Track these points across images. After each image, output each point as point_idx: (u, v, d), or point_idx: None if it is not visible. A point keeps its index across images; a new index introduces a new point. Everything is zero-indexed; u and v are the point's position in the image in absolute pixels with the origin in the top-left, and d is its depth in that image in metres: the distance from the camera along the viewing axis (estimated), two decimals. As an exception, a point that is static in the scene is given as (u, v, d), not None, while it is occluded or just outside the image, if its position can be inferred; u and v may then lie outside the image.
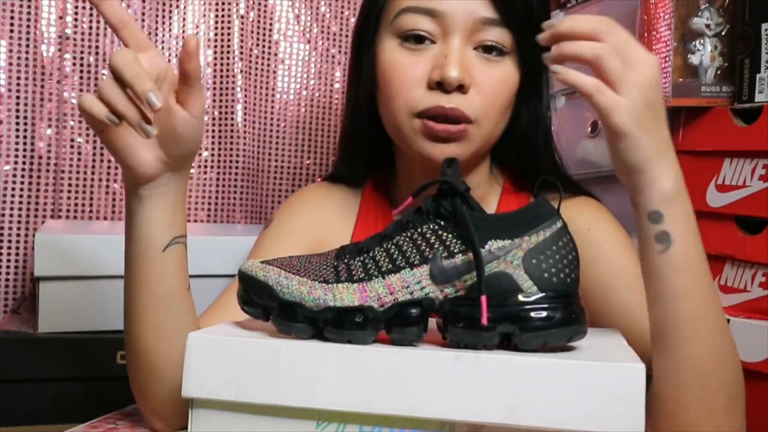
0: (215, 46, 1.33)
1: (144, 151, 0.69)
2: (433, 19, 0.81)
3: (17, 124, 1.24)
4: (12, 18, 1.23)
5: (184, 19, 1.32)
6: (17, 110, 1.23)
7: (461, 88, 0.80)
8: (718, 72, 0.92)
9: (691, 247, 0.65)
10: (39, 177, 1.24)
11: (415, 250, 0.61)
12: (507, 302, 0.59)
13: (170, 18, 1.31)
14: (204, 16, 1.32)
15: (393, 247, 0.62)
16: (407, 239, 0.62)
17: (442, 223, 0.61)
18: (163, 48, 1.30)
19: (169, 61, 1.31)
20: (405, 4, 0.82)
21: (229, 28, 1.33)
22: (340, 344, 0.60)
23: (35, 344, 1.03)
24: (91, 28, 1.26)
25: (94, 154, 1.27)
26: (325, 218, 0.93)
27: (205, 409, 0.62)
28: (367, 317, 0.59)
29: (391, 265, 0.61)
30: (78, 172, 1.26)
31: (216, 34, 1.33)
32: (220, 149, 1.33)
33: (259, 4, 1.35)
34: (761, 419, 0.82)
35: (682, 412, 0.66)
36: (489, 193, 0.93)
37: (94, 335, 1.05)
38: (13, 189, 1.23)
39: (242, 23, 1.33)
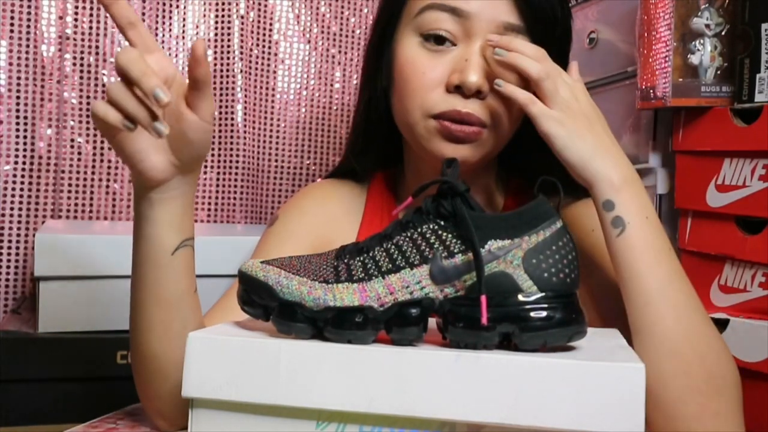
0: (215, 46, 1.33)
1: (154, 155, 0.69)
2: (457, 19, 0.80)
3: (17, 124, 1.24)
4: (12, 18, 1.23)
5: (184, 19, 1.32)
6: (17, 110, 1.24)
7: (479, 94, 0.80)
8: (718, 72, 0.92)
9: (644, 229, 0.71)
10: (39, 177, 1.25)
11: (415, 250, 0.61)
12: (507, 302, 0.59)
13: (170, 18, 1.31)
14: (204, 16, 1.32)
15: (393, 247, 0.62)
16: (407, 239, 0.62)
17: (442, 223, 0.61)
18: (163, 48, 1.30)
19: (169, 61, 1.31)
20: (430, 1, 0.82)
21: (229, 28, 1.33)
22: (340, 344, 0.60)
23: (35, 344, 1.03)
24: (91, 28, 1.26)
25: (94, 154, 1.27)
26: (331, 217, 0.93)
27: (205, 409, 0.62)
28: (367, 317, 0.59)
29: (391, 265, 0.61)
30: (78, 172, 1.26)
31: (216, 34, 1.33)
32: (220, 149, 1.33)
33: (259, 4, 1.35)
34: (761, 419, 0.82)
35: (663, 391, 0.68)
36: (495, 196, 0.93)
37: (94, 335, 1.05)
38: (13, 189, 1.23)
39: (242, 23, 1.33)
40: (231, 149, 1.33)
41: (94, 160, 1.27)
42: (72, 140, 1.26)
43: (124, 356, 1.05)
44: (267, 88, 1.36)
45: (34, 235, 1.18)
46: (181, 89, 0.69)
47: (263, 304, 0.62)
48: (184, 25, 1.32)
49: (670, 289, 0.70)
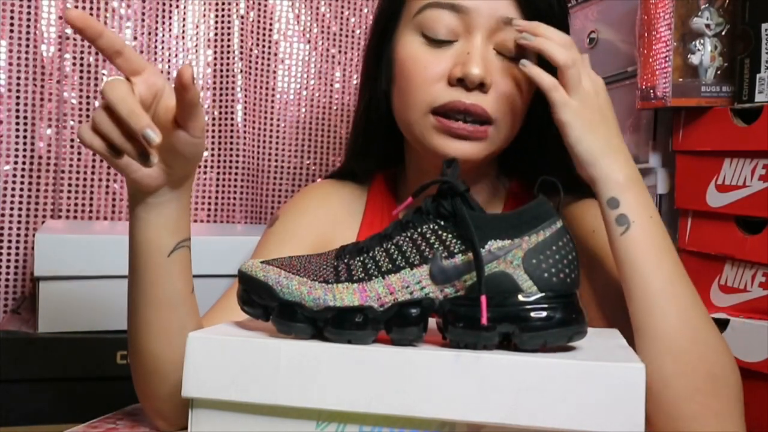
0: (215, 46, 1.33)
1: None
2: (457, 15, 0.81)
3: (17, 124, 1.24)
4: (12, 18, 1.23)
5: (184, 19, 1.32)
6: (17, 110, 1.24)
7: (482, 87, 0.80)
8: (718, 72, 0.92)
9: (649, 228, 0.71)
10: (39, 177, 1.25)
11: (414, 250, 0.61)
12: (507, 302, 0.59)
13: (170, 18, 1.31)
14: (204, 16, 1.32)
15: (393, 247, 0.62)
16: (407, 239, 0.62)
17: (442, 223, 0.61)
18: (163, 48, 1.30)
19: (169, 60, 1.31)
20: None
21: (229, 28, 1.33)
22: (340, 344, 0.60)
23: (35, 344, 1.03)
24: (91, 28, 1.26)
25: (94, 154, 1.27)
26: (331, 217, 0.93)
27: (205, 409, 0.62)
28: (367, 317, 0.59)
29: (390, 265, 0.61)
30: (78, 172, 1.26)
31: (216, 34, 1.33)
32: (220, 149, 1.33)
33: (259, 4, 1.35)
34: (761, 419, 0.82)
35: (665, 390, 0.68)
36: (495, 196, 0.93)
37: (94, 335, 1.05)
38: (13, 189, 1.23)
39: (242, 23, 1.33)
40: (231, 149, 1.33)
41: (94, 160, 1.27)
42: (72, 140, 1.26)
43: (123, 356, 1.05)
44: (267, 88, 1.36)
45: (34, 235, 1.18)
46: (171, 102, 0.66)
47: (263, 304, 0.62)
48: (184, 25, 1.32)
49: (673, 288, 0.70)
